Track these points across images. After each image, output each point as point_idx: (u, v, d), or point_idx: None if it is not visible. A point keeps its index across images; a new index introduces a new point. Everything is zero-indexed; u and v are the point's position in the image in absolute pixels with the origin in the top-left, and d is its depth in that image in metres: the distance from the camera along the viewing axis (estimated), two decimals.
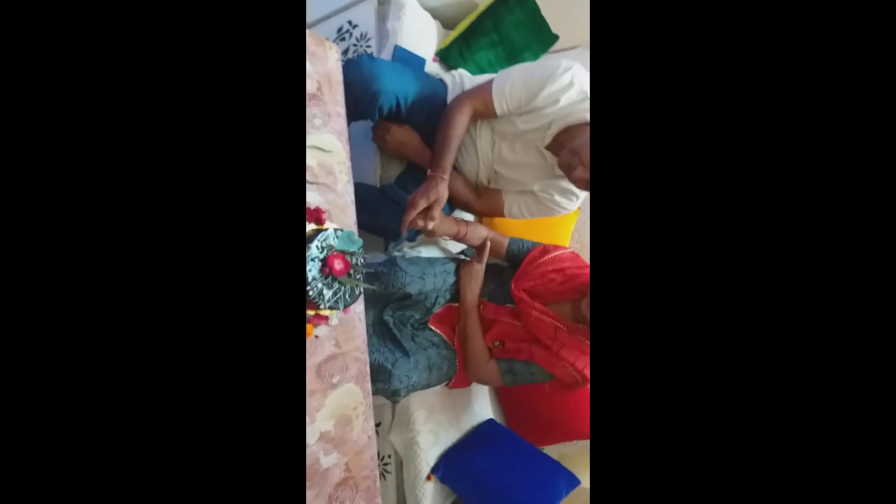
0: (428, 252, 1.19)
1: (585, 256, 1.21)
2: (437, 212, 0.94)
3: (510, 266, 1.17)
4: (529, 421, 1.36)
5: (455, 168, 1.13)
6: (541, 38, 1.34)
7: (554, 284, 1.09)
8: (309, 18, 1.23)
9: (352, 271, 0.76)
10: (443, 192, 0.94)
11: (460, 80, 1.12)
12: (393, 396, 1.00)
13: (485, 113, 1.04)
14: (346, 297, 0.76)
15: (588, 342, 1.04)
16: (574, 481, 1.21)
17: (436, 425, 1.21)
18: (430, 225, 0.93)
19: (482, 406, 1.39)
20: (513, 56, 1.35)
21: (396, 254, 1.11)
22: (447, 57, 1.31)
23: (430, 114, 1.09)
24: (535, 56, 1.37)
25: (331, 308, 0.75)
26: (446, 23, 1.38)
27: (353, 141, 0.83)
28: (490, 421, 1.37)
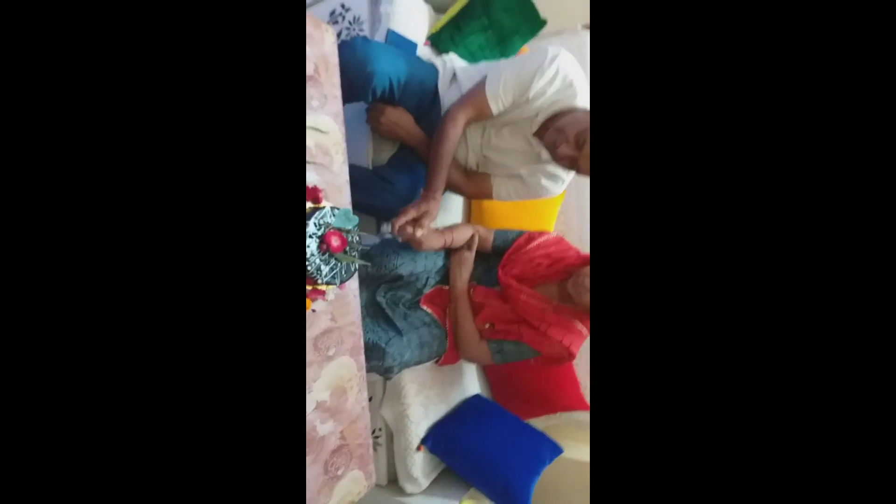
0: None
1: (570, 238, 1.26)
2: (426, 223, 1.00)
3: (497, 253, 1.21)
4: (515, 395, 1.42)
5: None
6: (529, 23, 1.36)
7: (541, 269, 1.14)
8: None
9: (348, 248, 0.80)
10: (433, 208, 1.01)
11: (451, 65, 1.14)
12: (386, 373, 1.05)
13: (481, 117, 1.07)
14: (343, 272, 0.80)
15: (573, 320, 1.09)
16: (557, 450, 1.28)
17: (426, 399, 1.26)
18: (419, 233, 0.98)
19: (470, 381, 1.45)
20: (503, 40, 1.38)
21: (388, 236, 1.15)
22: (438, 41, 1.33)
23: (422, 97, 1.12)
24: (525, 39, 1.39)
25: (328, 283, 0.78)
26: (438, 7, 1.39)
27: (345, 123, 0.86)
28: (477, 395, 1.43)
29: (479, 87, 1.04)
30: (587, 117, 0.99)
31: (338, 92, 0.84)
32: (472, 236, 1.17)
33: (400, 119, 1.11)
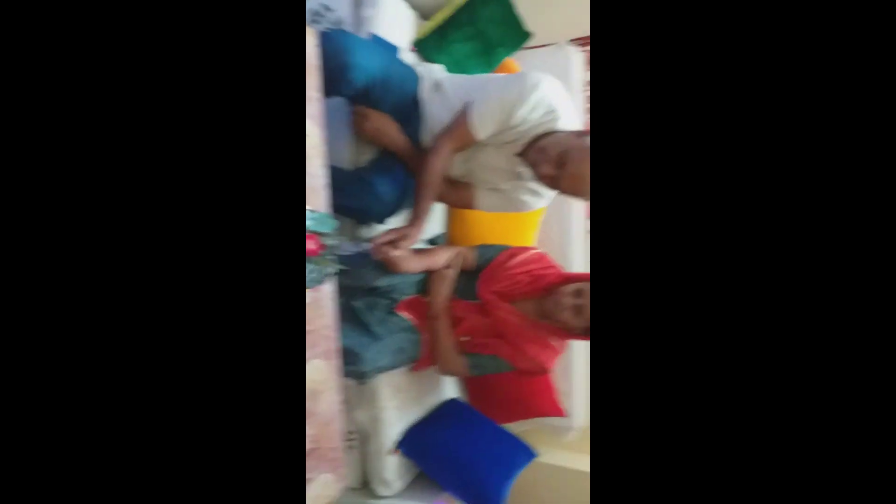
0: None
1: (551, 252, 1.28)
2: (405, 245, 1.04)
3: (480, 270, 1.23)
4: (490, 400, 1.43)
5: None
6: (515, 35, 1.38)
7: (521, 286, 1.17)
8: None
9: (324, 252, 0.80)
10: (414, 234, 1.06)
11: (435, 74, 1.15)
12: (362, 378, 1.05)
13: (467, 145, 1.10)
14: (318, 276, 0.80)
15: (549, 336, 1.13)
16: (531, 454, 1.29)
17: (401, 402, 1.26)
18: (394, 254, 1.02)
19: (446, 384, 1.45)
20: (488, 50, 1.39)
21: (366, 247, 1.14)
22: (423, 47, 1.34)
23: (402, 99, 1.12)
24: (510, 51, 1.41)
25: None
26: (423, 13, 1.40)
27: (326, 125, 0.86)
28: (453, 399, 1.44)
29: (464, 116, 1.05)
30: (568, 139, 1.01)
31: (317, 93, 0.84)
32: (455, 256, 1.18)
33: (384, 125, 1.11)
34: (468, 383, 1.53)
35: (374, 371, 1.05)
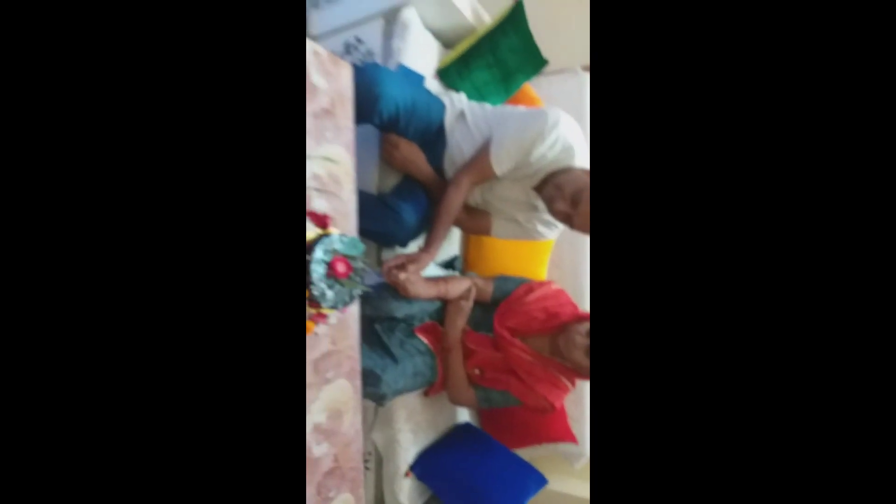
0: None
1: (563, 285, 1.29)
2: (413, 270, 1.07)
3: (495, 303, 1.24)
4: (503, 425, 1.43)
5: None
6: (532, 62, 1.43)
7: (536, 322, 1.18)
8: (318, 31, 1.28)
9: (353, 274, 0.82)
10: (424, 260, 1.09)
11: (459, 103, 1.19)
12: (381, 400, 1.06)
13: (486, 179, 1.14)
14: (346, 298, 0.82)
15: (560, 375, 1.15)
16: (542, 481, 1.29)
17: (415, 425, 1.26)
18: (402, 276, 1.04)
19: (459, 409, 1.45)
20: (506, 77, 1.44)
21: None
22: (446, 75, 1.39)
23: (428, 127, 1.16)
24: (527, 77, 1.46)
25: (331, 308, 0.81)
26: (447, 43, 1.46)
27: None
28: (466, 424, 1.44)
29: (485, 153, 1.09)
30: (585, 177, 1.04)
31: (351, 123, 0.88)
32: (469, 289, 1.19)
33: (413, 155, 1.16)
34: (481, 408, 1.54)
35: (393, 393, 1.06)
